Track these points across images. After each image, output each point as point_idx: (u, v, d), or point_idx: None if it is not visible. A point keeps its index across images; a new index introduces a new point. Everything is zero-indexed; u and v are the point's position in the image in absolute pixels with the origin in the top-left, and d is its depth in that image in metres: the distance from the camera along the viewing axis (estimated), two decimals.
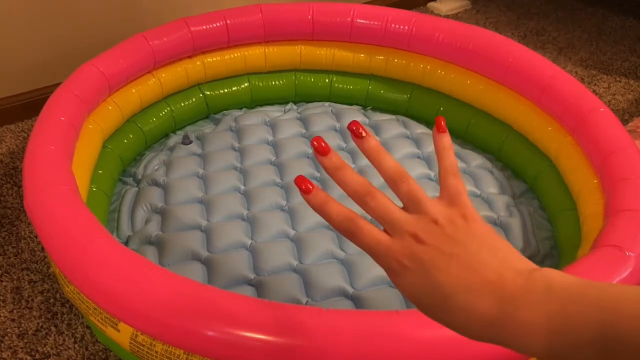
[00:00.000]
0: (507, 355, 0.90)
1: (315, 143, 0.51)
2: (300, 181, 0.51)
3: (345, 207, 0.50)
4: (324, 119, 1.76)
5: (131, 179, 1.57)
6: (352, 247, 1.35)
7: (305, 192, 0.51)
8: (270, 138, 1.69)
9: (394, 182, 0.51)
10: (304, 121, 1.77)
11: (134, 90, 1.56)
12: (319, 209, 0.51)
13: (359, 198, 0.51)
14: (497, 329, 0.44)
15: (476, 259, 0.45)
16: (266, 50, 1.76)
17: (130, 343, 1.00)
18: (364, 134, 0.52)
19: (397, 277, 0.47)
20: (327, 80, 1.84)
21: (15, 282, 1.34)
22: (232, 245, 1.35)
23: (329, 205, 0.50)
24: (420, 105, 1.79)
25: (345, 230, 0.50)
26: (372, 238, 0.49)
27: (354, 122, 0.52)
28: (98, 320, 1.04)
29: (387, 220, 0.49)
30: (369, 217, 0.52)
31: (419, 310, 0.48)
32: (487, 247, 0.46)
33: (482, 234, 0.47)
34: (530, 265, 0.46)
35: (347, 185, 0.51)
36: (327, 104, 1.86)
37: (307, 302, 1.23)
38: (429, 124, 1.80)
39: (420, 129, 1.75)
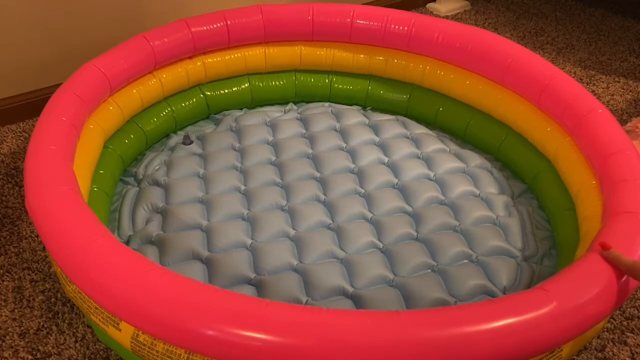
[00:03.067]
0: (506, 356, 0.91)
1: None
2: (604, 245, 1.00)
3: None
4: (324, 119, 1.77)
5: (132, 178, 1.58)
6: (352, 247, 1.36)
7: (604, 247, 1.00)
8: (271, 138, 1.70)
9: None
10: (304, 121, 1.77)
11: (134, 91, 1.57)
12: (613, 261, 0.99)
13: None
14: None
15: None
16: (266, 50, 1.76)
17: (132, 342, 1.00)
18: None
19: None
20: (327, 81, 1.85)
21: (16, 281, 1.35)
22: (233, 244, 1.35)
23: (620, 256, 0.98)
24: (420, 106, 1.80)
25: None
26: None
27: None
28: (99, 320, 1.04)
29: None
30: None
31: None
32: None
33: None
34: None
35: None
36: (327, 104, 1.87)
37: (307, 301, 1.23)
38: (428, 124, 1.80)
39: (419, 129, 1.76)
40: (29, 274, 1.36)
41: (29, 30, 1.75)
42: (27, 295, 1.32)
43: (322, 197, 1.50)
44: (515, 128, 1.62)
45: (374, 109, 1.87)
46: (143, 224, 1.42)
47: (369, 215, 1.45)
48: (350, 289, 1.26)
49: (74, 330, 1.24)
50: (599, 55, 2.30)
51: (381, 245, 1.37)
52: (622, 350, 1.24)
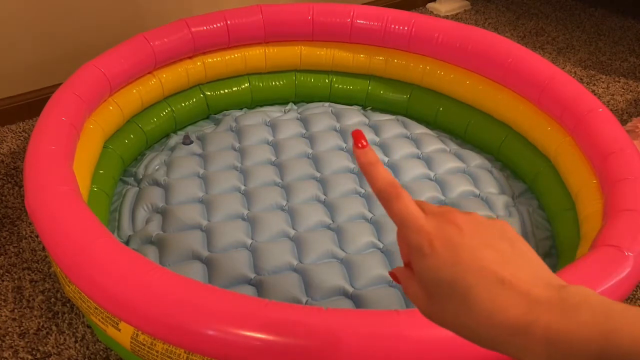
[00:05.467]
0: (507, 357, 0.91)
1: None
2: (357, 135, 0.51)
3: (390, 174, 0.50)
4: (324, 119, 1.77)
5: (132, 178, 1.58)
6: (352, 247, 1.35)
7: (358, 146, 0.51)
8: (271, 138, 1.70)
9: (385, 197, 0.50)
10: (304, 121, 1.77)
11: (134, 91, 1.57)
12: (366, 168, 0.50)
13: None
14: (515, 337, 0.41)
15: (512, 258, 0.43)
16: (266, 50, 1.76)
17: (131, 342, 1.00)
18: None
19: (422, 258, 0.45)
20: (327, 81, 1.85)
21: (16, 281, 1.35)
22: (233, 244, 1.35)
23: (377, 166, 0.50)
24: (420, 106, 1.80)
25: (385, 194, 0.48)
26: (409, 209, 0.47)
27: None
28: (99, 320, 1.04)
29: (408, 224, 0.47)
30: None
31: (428, 307, 0.46)
32: (522, 253, 0.44)
33: (513, 239, 0.46)
34: (562, 281, 0.43)
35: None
36: (327, 104, 1.86)
37: (307, 301, 1.23)
38: (428, 124, 1.80)
39: (420, 129, 1.76)
40: (29, 274, 1.36)
41: (29, 30, 1.75)
42: (27, 295, 1.32)
43: (322, 197, 1.50)
44: (515, 128, 1.62)
45: (374, 109, 1.87)
46: (143, 224, 1.42)
47: (369, 215, 1.45)
48: (350, 289, 1.26)
49: (74, 330, 1.24)
50: (599, 55, 2.30)
51: (381, 245, 1.37)
52: None
